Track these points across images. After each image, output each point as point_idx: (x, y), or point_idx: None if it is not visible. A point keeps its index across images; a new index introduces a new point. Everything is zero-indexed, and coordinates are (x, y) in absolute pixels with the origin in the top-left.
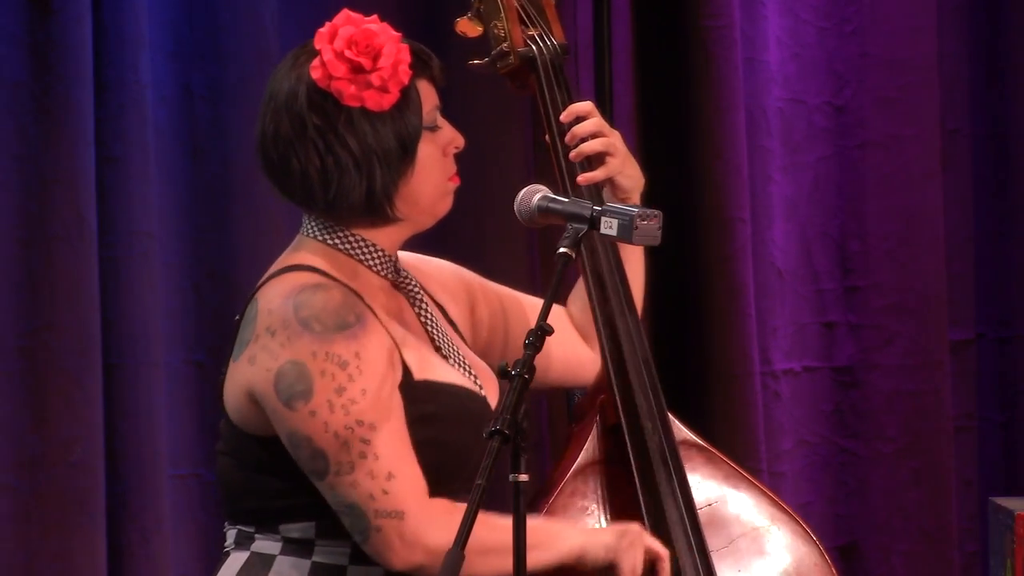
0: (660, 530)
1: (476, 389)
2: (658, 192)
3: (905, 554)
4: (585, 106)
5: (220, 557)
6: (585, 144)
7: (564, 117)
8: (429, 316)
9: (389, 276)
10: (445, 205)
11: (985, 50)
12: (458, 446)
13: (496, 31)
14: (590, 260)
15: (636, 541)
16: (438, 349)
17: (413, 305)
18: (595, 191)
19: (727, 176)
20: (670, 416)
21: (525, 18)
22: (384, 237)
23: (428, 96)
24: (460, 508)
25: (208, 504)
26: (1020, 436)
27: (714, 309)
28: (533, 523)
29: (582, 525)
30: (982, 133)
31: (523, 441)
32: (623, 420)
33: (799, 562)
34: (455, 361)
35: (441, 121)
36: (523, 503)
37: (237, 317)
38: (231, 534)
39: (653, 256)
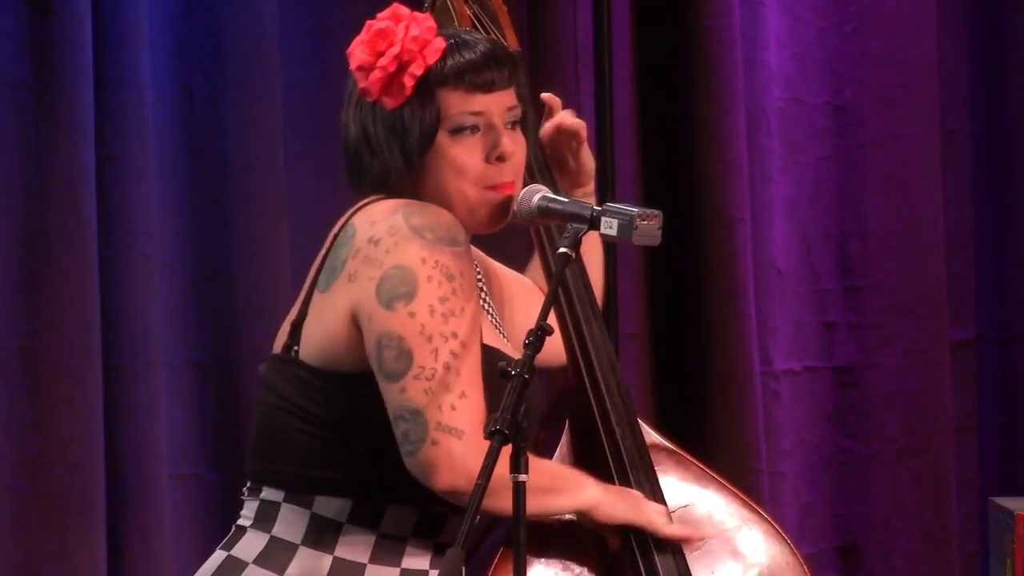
0: (635, 533)
1: None
2: (658, 192)
3: (905, 554)
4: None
5: (234, 530)
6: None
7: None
8: (487, 300)
9: None
10: (484, 213)
11: (985, 50)
12: None
13: None
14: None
15: (644, 498)
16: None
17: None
18: (549, 177)
19: (727, 176)
20: (639, 420)
21: (478, 25)
22: None
23: (458, 101)
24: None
25: (208, 504)
26: (1020, 436)
27: (714, 309)
28: (557, 468)
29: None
30: (982, 133)
31: (523, 441)
32: (597, 426)
33: (771, 562)
34: (506, 343)
35: (489, 128)
36: (523, 503)
37: (324, 252)
38: (252, 506)
39: (653, 256)
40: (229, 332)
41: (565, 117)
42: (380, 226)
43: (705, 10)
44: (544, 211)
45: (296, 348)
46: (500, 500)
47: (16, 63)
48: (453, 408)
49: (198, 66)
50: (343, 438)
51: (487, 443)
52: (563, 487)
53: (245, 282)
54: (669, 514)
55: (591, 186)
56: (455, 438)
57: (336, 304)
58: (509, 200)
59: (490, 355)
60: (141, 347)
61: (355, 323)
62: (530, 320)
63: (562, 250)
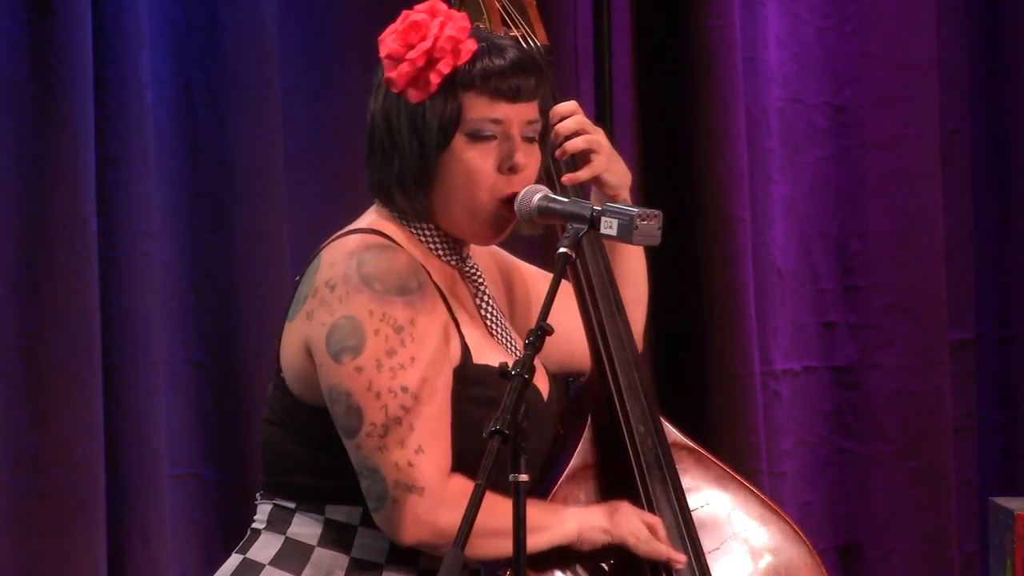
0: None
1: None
2: (658, 192)
3: (905, 554)
4: (568, 106)
5: (248, 533)
6: (568, 142)
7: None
8: (489, 307)
9: (454, 263)
10: (485, 222)
11: (985, 50)
12: None
13: None
14: (579, 262)
15: (629, 512)
16: (493, 336)
17: (475, 297)
18: (582, 191)
19: (727, 176)
20: (661, 418)
21: (507, 19)
22: (456, 230)
23: (480, 106)
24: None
25: (208, 504)
26: (1020, 436)
27: (714, 309)
28: (534, 506)
29: (575, 509)
30: (981, 133)
31: (523, 441)
32: (618, 424)
33: (789, 562)
34: (510, 350)
35: (506, 138)
36: (523, 503)
37: (297, 278)
38: (265, 509)
39: (653, 256)
40: (229, 332)
41: (560, 127)
42: (337, 270)
43: (705, 10)
44: (544, 211)
45: (282, 374)
46: (479, 550)
47: (16, 63)
48: (411, 465)
49: (198, 66)
50: (337, 455)
51: (449, 494)
52: (541, 525)
53: (245, 282)
54: (681, 518)
55: (621, 196)
56: (415, 495)
57: (297, 338)
58: (509, 212)
59: (479, 373)
60: (141, 347)
61: (311, 358)
62: (561, 320)
63: (562, 250)
